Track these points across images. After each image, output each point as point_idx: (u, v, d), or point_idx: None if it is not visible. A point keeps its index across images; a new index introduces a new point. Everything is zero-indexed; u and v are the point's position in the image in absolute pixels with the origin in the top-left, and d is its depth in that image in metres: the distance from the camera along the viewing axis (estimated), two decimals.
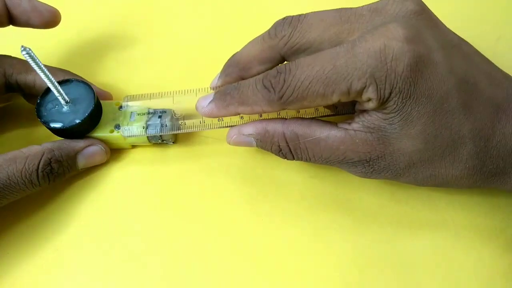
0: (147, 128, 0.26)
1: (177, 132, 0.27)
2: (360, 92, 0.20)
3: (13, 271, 0.24)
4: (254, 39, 0.25)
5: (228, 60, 0.26)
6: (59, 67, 0.29)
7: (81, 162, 0.26)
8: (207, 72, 0.27)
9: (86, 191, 0.27)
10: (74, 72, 0.29)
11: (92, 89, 0.26)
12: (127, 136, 0.27)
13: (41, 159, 0.24)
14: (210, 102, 0.24)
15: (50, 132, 0.26)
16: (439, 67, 0.20)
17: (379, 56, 0.20)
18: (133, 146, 0.29)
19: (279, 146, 0.24)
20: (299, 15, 0.24)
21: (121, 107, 0.27)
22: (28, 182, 0.24)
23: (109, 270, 0.24)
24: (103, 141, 0.27)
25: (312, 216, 0.26)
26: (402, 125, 0.21)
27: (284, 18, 0.24)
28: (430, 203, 0.26)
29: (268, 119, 0.24)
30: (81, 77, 0.28)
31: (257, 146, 0.25)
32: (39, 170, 0.24)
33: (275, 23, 0.24)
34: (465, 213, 0.26)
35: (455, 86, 0.20)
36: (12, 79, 0.27)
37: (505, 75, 0.23)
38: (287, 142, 0.23)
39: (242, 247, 0.25)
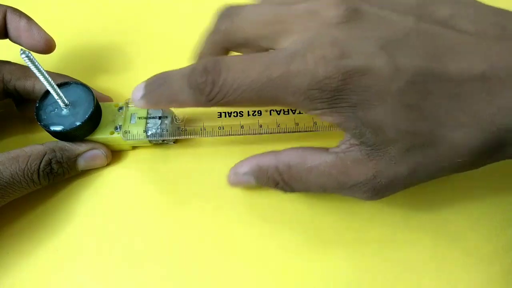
0: (147, 131, 0.27)
1: (178, 137, 0.27)
2: (295, 104, 0.20)
3: (13, 271, 0.25)
4: (207, 32, 0.25)
5: (194, 53, 0.26)
6: (58, 71, 0.29)
7: (81, 165, 0.27)
8: None
9: (87, 191, 0.27)
10: (72, 76, 0.29)
11: (91, 91, 0.27)
12: (127, 140, 0.27)
13: (42, 159, 0.25)
14: (141, 96, 0.23)
15: (47, 138, 0.26)
16: (381, 70, 0.19)
17: (311, 75, 0.19)
18: (134, 147, 0.29)
19: (274, 179, 0.23)
20: (237, 7, 0.23)
21: (120, 108, 0.28)
22: (30, 180, 0.24)
23: (109, 270, 0.25)
24: (103, 143, 0.27)
25: (311, 216, 0.26)
26: (374, 132, 0.20)
27: (222, 8, 0.24)
28: (430, 202, 0.26)
29: (260, 154, 0.24)
30: (79, 81, 0.29)
31: (256, 183, 0.24)
32: (40, 170, 0.24)
33: (215, 14, 0.24)
34: (465, 213, 0.26)
35: (409, 81, 0.19)
36: (10, 85, 0.27)
37: (499, 26, 0.21)
38: (281, 175, 0.23)
39: (242, 247, 0.25)
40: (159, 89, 0.22)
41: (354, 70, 0.19)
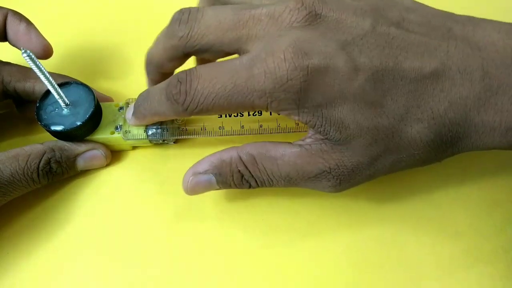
0: (147, 131, 0.27)
1: (178, 137, 0.27)
2: (265, 107, 0.21)
3: (13, 271, 0.25)
4: (161, 33, 0.25)
5: (145, 57, 0.26)
6: (58, 72, 0.29)
7: (81, 165, 0.27)
8: None
9: (87, 191, 0.27)
10: (73, 77, 0.29)
11: (91, 91, 0.27)
12: (128, 139, 0.27)
13: (42, 158, 0.25)
14: (132, 115, 0.25)
15: (48, 138, 0.26)
16: (341, 69, 0.20)
17: (274, 78, 0.20)
18: (134, 147, 0.29)
19: (239, 171, 0.23)
20: (196, 12, 0.23)
21: (121, 108, 0.28)
22: (29, 179, 0.24)
23: (108, 270, 0.25)
24: (103, 143, 0.27)
25: (309, 216, 0.26)
26: (337, 129, 0.21)
27: (180, 12, 0.23)
28: (430, 201, 0.26)
29: (220, 151, 0.24)
30: (80, 81, 0.29)
31: (217, 184, 0.24)
32: (40, 169, 0.24)
33: (172, 19, 0.24)
34: (465, 212, 0.26)
35: (368, 79, 0.20)
36: (10, 87, 0.27)
37: (446, 28, 0.22)
38: (245, 165, 0.23)
39: (242, 247, 0.25)
40: (143, 104, 0.24)
41: (315, 70, 0.20)
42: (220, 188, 0.24)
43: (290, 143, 0.23)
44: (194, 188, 0.24)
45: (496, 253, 0.24)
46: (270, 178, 0.23)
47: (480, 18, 0.23)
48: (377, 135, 0.21)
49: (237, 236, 0.26)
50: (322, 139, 0.22)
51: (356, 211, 0.26)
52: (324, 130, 0.21)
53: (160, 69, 0.26)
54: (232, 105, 0.21)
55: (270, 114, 0.27)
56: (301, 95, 0.20)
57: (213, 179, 0.23)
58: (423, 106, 0.21)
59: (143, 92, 0.25)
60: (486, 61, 0.21)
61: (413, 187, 0.26)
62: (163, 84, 0.23)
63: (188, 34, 0.23)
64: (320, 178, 0.22)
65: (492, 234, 0.25)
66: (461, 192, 0.26)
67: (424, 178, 0.27)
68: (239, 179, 0.23)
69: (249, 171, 0.23)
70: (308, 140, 0.22)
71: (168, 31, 0.24)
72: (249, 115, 0.27)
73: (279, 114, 0.22)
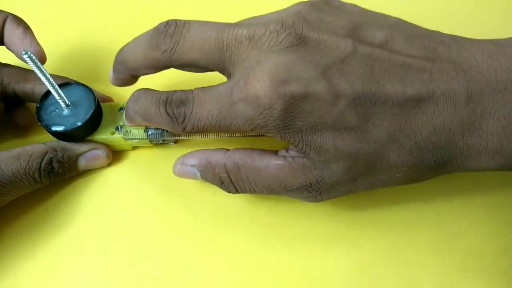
0: (147, 131, 0.27)
1: (178, 138, 0.27)
2: (252, 131, 0.22)
3: (13, 272, 0.25)
4: (138, 37, 0.24)
5: (117, 55, 0.25)
6: (58, 72, 0.29)
7: (82, 165, 0.27)
8: (209, 76, 0.27)
9: (87, 191, 0.27)
10: (73, 77, 0.29)
11: (92, 91, 0.26)
12: (128, 139, 0.27)
13: (43, 158, 0.25)
14: (128, 120, 0.25)
15: (47, 139, 0.26)
16: (321, 95, 0.20)
17: (253, 106, 0.20)
18: (134, 147, 0.29)
19: (220, 178, 0.24)
20: (182, 26, 0.23)
21: (121, 108, 0.28)
22: (31, 179, 0.24)
23: (109, 270, 0.25)
24: (104, 143, 0.27)
25: (310, 216, 0.26)
26: (317, 153, 0.21)
27: (166, 24, 0.23)
28: (431, 203, 0.26)
29: (212, 149, 0.24)
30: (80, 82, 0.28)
31: (201, 177, 0.25)
32: (41, 169, 0.25)
33: (157, 28, 0.23)
34: (466, 214, 0.26)
35: (349, 105, 0.20)
36: (10, 88, 0.27)
37: (430, 49, 0.22)
38: (228, 173, 0.23)
39: (241, 246, 0.25)
40: (133, 109, 0.24)
41: (294, 97, 0.20)
42: (206, 181, 0.25)
43: (276, 153, 0.23)
44: (180, 174, 0.25)
45: (497, 255, 0.24)
46: (252, 188, 0.23)
47: (465, 38, 0.22)
48: (357, 160, 0.21)
49: (237, 237, 0.26)
50: (304, 153, 0.22)
51: (356, 212, 0.26)
52: (305, 152, 0.21)
53: (132, 72, 0.25)
54: (222, 129, 0.22)
55: None
56: (280, 122, 0.20)
57: (198, 173, 0.25)
58: (406, 130, 0.21)
59: (133, 95, 0.24)
60: (471, 84, 0.20)
61: (413, 189, 0.26)
62: (162, 96, 0.23)
63: (172, 49, 0.23)
64: (301, 190, 0.23)
65: (492, 236, 0.25)
66: (462, 194, 0.26)
67: (425, 182, 0.27)
68: (220, 183, 0.24)
69: (231, 179, 0.23)
70: (291, 152, 0.22)
71: (152, 42, 0.23)
72: None
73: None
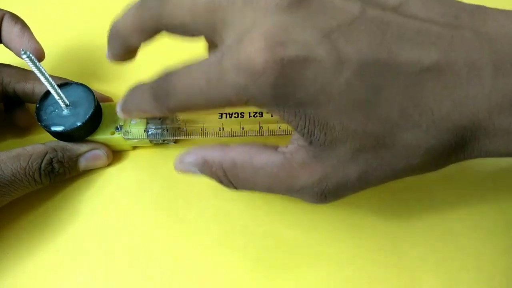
0: (147, 131, 0.27)
1: (178, 138, 0.27)
2: (245, 104, 0.19)
3: (13, 272, 0.25)
4: (130, 5, 0.22)
5: (109, 29, 0.24)
6: (58, 72, 0.29)
7: (83, 164, 0.27)
8: None
9: (87, 191, 0.27)
10: (73, 77, 0.29)
11: (91, 91, 0.26)
12: (128, 139, 0.27)
13: (44, 158, 0.25)
14: (120, 109, 0.24)
15: (46, 140, 0.26)
16: (324, 61, 0.17)
17: (246, 73, 0.18)
18: (134, 147, 0.29)
19: (218, 176, 0.22)
20: None
21: None
22: (31, 179, 0.24)
23: (109, 271, 0.25)
24: (104, 143, 0.27)
25: (310, 220, 0.26)
26: (322, 131, 0.19)
27: None
28: (431, 203, 0.26)
29: (209, 146, 0.22)
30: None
31: (201, 175, 0.23)
32: (42, 169, 0.24)
33: None
34: (467, 214, 0.26)
35: (356, 73, 0.17)
36: (10, 88, 0.27)
37: (451, 15, 0.19)
38: (225, 173, 0.21)
39: (242, 247, 0.25)
40: (128, 100, 0.23)
41: (292, 62, 0.17)
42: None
43: (276, 149, 0.21)
44: (181, 171, 0.24)
45: (497, 255, 0.24)
46: (252, 187, 0.22)
47: (492, 8, 0.19)
48: (366, 141, 0.18)
49: (237, 237, 0.26)
50: (305, 145, 0.20)
51: (357, 211, 0.26)
52: (308, 131, 0.19)
53: (125, 42, 0.23)
54: (209, 103, 0.19)
55: (272, 116, 0.27)
56: (278, 91, 0.18)
57: (197, 171, 0.23)
58: (422, 106, 0.18)
59: (132, 87, 0.23)
60: (498, 55, 0.18)
61: (413, 188, 0.26)
62: (149, 82, 0.22)
63: (160, 9, 0.20)
64: (303, 192, 0.20)
65: (493, 236, 0.25)
66: (463, 194, 0.26)
67: (425, 182, 0.27)
68: (218, 181, 0.22)
69: (228, 178, 0.22)
70: (291, 147, 0.21)
71: (140, 3, 0.21)
72: (249, 116, 0.27)
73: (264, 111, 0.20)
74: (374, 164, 0.19)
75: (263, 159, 0.21)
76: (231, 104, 0.19)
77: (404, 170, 0.19)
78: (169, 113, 0.21)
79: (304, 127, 0.19)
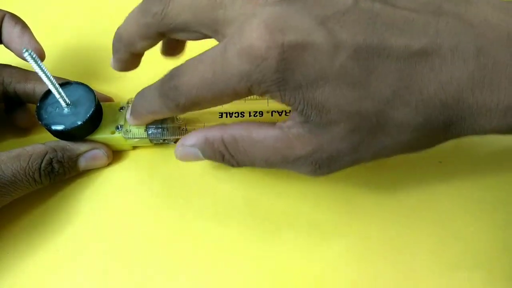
0: (148, 130, 0.27)
1: (178, 137, 0.27)
2: (248, 91, 0.20)
3: (13, 272, 0.25)
4: (133, 9, 0.24)
5: (114, 34, 0.25)
6: (59, 72, 0.29)
7: (82, 164, 0.27)
8: None
9: (87, 191, 0.27)
10: (74, 77, 0.29)
11: (92, 91, 0.27)
12: (128, 138, 0.27)
13: (44, 158, 0.25)
14: (130, 114, 0.25)
15: (46, 140, 0.26)
16: (321, 45, 0.19)
17: (248, 58, 0.19)
18: (134, 147, 0.29)
19: (220, 152, 0.23)
20: None
21: (121, 108, 0.28)
22: (31, 179, 0.24)
23: (109, 270, 0.25)
24: (104, 142, 0.27)
25: (310, 214, 0.26)
26: (319, 113, 0.20)
27: None
28: (431, 202, 0.26)
29: (208, 127, 0.24)
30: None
31: (204, 157, 0.24)
32: (42, 169, 0.24)
33: None
34: (467, 213, 0.26)
35: (350, 56, 0.19)
36: (10, 88, 0.27)
37: (435, 5, 0.20)
38: (226, 147, 0.23)
39: (242, 245, 0.25)
40: (139, 103, 0.24)
41: (292, 47, 0.19)
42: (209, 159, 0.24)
43: (273, 124, 0.22)
44: (183, 157, 0.24)
45: (497, 254, 0.24)
46: (252, 161, 0.23)
47: None
48: (359, 121, 0.20)
49: (237, 236, 0.26)
50: (302, 122, 0.21)
51: (357, 210, 0.26)
52: (306, 114, 0.20)
53: (129, 48, 0.24)
54: (216, 95, 0.21)
55: (272, 116, 0.27)
56: (279, 75, 0.19)
57: (199, 153, 0.24)
58: (411, 87, 0.19)
59: (139, 91, 0.24)
60: (480, 38, 0.19)
61: (414, 184, 0.26)
62: (158, 82, 0.22)
63: (162, 11, 0.22)
64: (298, 163, 0.22)
65: (493, 235, 0.25)
66: (463, 193, 0.26)
67: (424, 178, 0.27)
68: (221, 158, 0.23)
69: (230, 153, 0.23)
70: (288, 122, 0.22)
71: (142, 7, 0.23)
72: (250, 115, 0.27)
73: (267, 98, 0.21)
74: (366, 141, 0.21)
75: (262, 133, 0.22)
76: (235, 93, 0.20)
77: (394, 147, 0.21)
78: (179, 111, 0.22)
79: (303, 110, 0.20)
